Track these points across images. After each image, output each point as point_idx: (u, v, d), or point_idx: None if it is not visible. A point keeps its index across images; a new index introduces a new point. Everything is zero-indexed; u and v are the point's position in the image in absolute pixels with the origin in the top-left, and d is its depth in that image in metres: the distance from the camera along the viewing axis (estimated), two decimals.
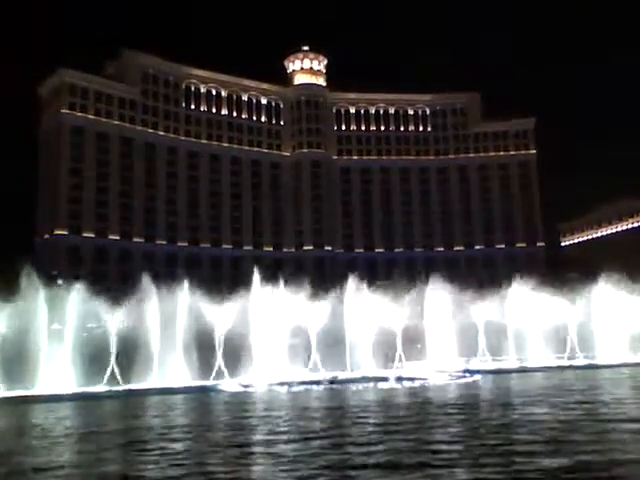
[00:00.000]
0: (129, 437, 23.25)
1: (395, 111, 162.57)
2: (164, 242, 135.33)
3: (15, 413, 37.87)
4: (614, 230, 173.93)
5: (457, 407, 29.30)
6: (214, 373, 56.13)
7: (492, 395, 36.47)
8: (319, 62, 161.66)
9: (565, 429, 20.49)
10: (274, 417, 27.81)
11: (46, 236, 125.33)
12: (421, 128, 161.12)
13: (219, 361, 56.86)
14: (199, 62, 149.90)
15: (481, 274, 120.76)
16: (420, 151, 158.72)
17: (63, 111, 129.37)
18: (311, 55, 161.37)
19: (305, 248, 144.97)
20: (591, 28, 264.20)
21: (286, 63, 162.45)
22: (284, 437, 20.94)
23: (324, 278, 66.24)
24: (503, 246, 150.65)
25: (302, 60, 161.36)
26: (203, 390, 49.46)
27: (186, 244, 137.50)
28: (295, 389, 45.60)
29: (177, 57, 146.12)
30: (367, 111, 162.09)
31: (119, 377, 51.79)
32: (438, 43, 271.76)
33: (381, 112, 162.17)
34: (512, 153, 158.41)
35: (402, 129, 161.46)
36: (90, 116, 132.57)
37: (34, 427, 29.07)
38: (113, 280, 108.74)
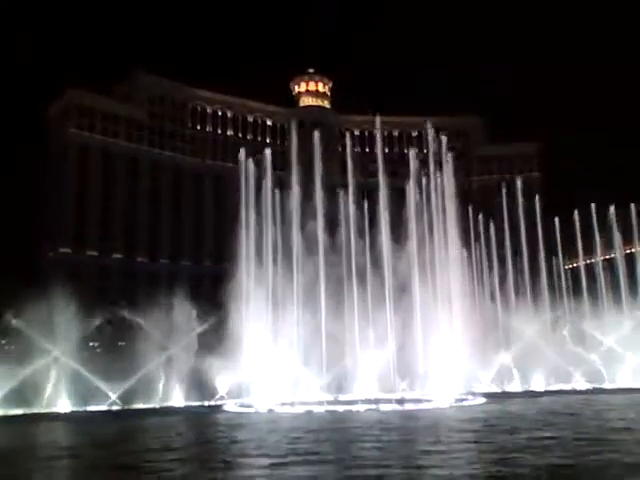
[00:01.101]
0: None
1: (399, 134, 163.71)
2: (167, 261, 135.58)
3: (8, 432, 37.56)
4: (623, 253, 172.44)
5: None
6: (217, 394, 55.77)
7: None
8: (324, 84, 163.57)
9: None
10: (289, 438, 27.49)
11: (50, 254, 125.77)
12: (424, 150, 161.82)
13: (220, 381, 56.45)
14: (205, 83, 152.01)
15: None
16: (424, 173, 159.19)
17: (71, 130, 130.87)
18: (316, 78, 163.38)
19: None
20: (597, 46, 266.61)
21: (291, 85, 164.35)
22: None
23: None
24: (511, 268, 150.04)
25: (307, 83, 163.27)
26: (204, 411, 49.07)
27: (189, 263, 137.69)
28: (297, 410, 45.17)
29: (184, 78, 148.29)
30: (371, 133, 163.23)
31: (119, 397, 51.42)
32: (440, 65, 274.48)
33: (385, 135, 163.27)
34: (516, 176, 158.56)
35: (406, 151, 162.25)
36: (97, 136, 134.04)
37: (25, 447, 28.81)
38: (116, 299, 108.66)
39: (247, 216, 61.26)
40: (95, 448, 27.48)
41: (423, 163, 67.94)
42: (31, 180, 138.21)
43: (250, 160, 64.42)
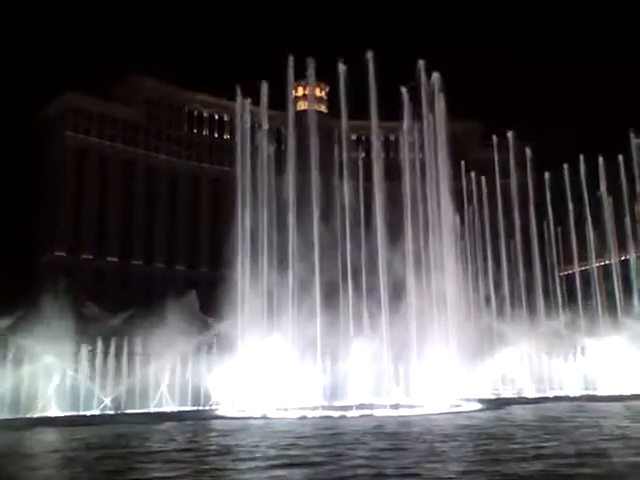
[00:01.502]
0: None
1: (395, 138, 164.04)
2: (162, 265, 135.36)
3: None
4: (620, 259, 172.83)
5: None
6: (211, 399, 55.53)
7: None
8: (321, 89, 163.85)
9: None
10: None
11: (46, 257, 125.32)
12: (420, 155, 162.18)
13: (212, 384, 56.24)
14: (202, 87, 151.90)
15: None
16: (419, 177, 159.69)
17: (67, 133, 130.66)
18: (313, 82, 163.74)
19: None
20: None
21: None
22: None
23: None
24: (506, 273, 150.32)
25: (305, 87, 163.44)
26: (198, 416, 48.81)
27: (184, 267, 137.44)
28: (291, 415, 45.02)
29: (181, 82, 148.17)
30: (368, 138, 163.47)
31: (112, 401, 51.17)
32: (439, 67, 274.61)
33: (382, 139, 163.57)
34: (512, 179, 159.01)
35: (402, 155, 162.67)
36: (94, 139, 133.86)
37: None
38: (112, 302, 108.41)
39: (243, 168, 60.69)
40: (86, 452, 27.24)
41: (422, 167, 66.58)
42: (27, 182, 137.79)
43: (248, 100, 63.50)
